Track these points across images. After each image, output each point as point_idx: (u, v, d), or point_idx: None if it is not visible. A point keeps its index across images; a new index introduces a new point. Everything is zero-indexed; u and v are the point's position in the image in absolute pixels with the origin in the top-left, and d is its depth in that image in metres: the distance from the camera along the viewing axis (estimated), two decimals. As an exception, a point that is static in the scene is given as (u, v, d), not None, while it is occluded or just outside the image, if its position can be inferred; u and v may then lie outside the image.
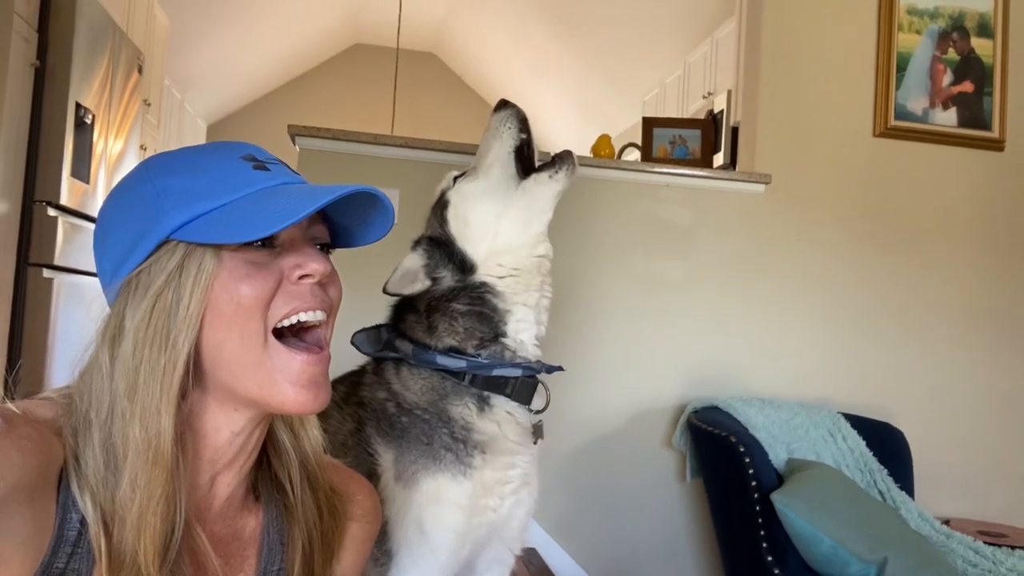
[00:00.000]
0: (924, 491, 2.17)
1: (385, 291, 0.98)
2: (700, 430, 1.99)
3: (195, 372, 0.60)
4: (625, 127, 5.32)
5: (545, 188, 1.00)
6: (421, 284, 0.97)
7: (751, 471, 1.75)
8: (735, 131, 3.06)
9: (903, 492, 2.07)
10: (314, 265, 0.62)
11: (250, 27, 5.77)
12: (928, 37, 2.49)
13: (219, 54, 5.85)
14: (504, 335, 0.97)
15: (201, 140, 6.42)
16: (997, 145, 2.52)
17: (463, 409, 0.94)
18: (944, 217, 2.47)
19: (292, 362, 0.61)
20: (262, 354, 0.61)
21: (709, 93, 4.02)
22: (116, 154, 3.31)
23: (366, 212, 0.67)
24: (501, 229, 0.98)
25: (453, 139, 2.27)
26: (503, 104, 1.05)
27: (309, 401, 0.62)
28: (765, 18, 2.43)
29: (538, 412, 0.99)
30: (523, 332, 0.98)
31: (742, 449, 1.79)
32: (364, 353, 1.01)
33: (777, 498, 1.68)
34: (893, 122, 2.45)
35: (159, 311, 0.58)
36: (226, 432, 0.64)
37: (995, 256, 2.50)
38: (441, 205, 1.02)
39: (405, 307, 1.01)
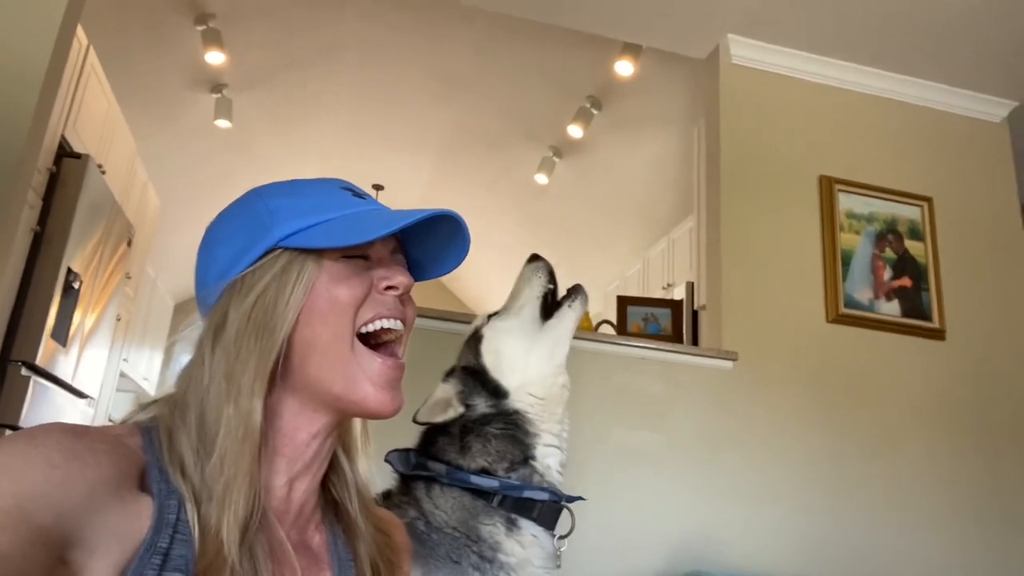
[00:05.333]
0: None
1: (415, 420, 1.04)
2: (686, 603, 1.95)
3: (283, 371, 0.66)
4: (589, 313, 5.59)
5: (566, 318, 1.12)
6: (454, 411, 1.03)
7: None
8: (695, 315, 3.27)
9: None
10: (400, 278, 0.70)
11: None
12: (866, 237, 2.80)
13: (196, 240, 6.07)
14: (533, 458, 1.02)
15: (168, 317, 6.46)
16: (938, 335, 2.75)
17: (492, 529, 0.96)
18: (896, 398, 2.63)
19: (374, 363, 0.68)
20: (349, 352, 0.67)
21: (669, 284, 4.31)
22: (94, 318, 3.34)
23: (441, 246, 0.76)
24: (531, 362, 1.07)
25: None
26: (535, 257, 1.19)
27: (387, 401, 0.68)
28: (723, 217, 2.72)
29: (562, 537, 1.01)
30: (549, 457, 1.04)
31: (732, 620, 1.76)
32: (396, 471, 1.05)
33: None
34: (843, 310, 2.67)
35: (261, 306, 0.66)
36: (304, 433, 0.69)
37: (941, 437, 2.63)
38: (476, 339, 1.12)
39: (434, 433, 1.06)
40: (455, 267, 0.77)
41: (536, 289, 1.14)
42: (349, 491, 0.75)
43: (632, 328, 2.64)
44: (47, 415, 2.91)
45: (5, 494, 0.50)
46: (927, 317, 2.76)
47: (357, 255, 0.70)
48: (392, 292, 0.71)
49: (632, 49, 3.72)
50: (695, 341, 3.17)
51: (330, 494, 0.75)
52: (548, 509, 1.00)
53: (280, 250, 0.67)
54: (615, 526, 2.25)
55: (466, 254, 0.75)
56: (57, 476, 0.52)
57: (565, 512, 1.04)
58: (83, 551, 0.54)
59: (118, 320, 3.90)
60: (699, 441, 2.39)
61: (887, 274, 2.78)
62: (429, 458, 1.03)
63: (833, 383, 2.58)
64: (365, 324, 0.69)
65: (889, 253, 2.80)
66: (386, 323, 0.70)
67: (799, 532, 2.38)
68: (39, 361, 2.76)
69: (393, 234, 0.72)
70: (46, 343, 2.80)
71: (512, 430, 1.02)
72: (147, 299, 5.48)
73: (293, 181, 0.74)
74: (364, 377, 0.68)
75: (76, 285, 3.00)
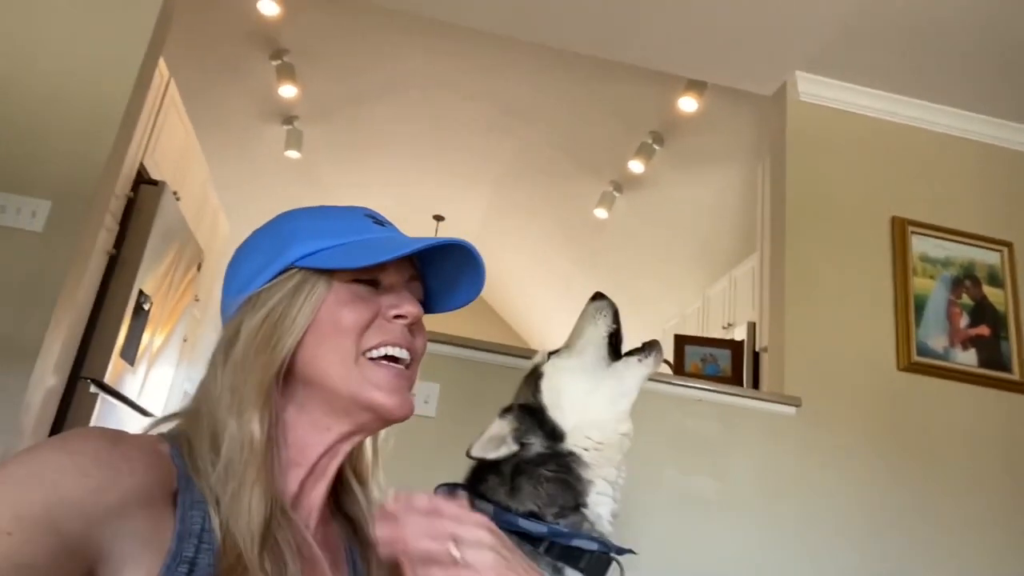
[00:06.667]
0: None
1: (469, 455, 1.02)
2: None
3: (292, 387, 0.68)
4: (644, 353, 5.49)
5: (634, 371, 1.08)
6: (507, 448, 1.00)
7: None
8: (756, 356, 3.17)
9: None
10: (408, 307, 0.71)
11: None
12: (942, 283, 2.68)
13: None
14: (585, 506, 0.98)
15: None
16: (1019, 387, 2.60)
17: (538, 576, 0.93)
18: (971, 452, 2.49)
19: (379, 371, 0.70)
20: (354, 367, 0.69)
21: (729, 324, 4.20)
22: (162, 339, 3.45)
23: (456, 277, 0.76)
24: (591, 404, 1.04)
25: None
26: (599, 296, 1.16)
27: (397, 405, 0.70)
28: (788, 256, 2.64)
29: (609, 591, 0.97)
30: (601, 506, 0.99)
31: None
32: (444, 511, 1.02)
33: None
34: (916, 357, 2.55)
35: (269, 322, 0.68)
36: (319, 447, 0.71)
37: (1021, 495, 2.47)
38: (535, 376, 1.09)
39: (485, 470, 1.03)
40: (470, 300, 0.78)
41: (601, 329, 1.11)
42: (364, 513, 0.77)
43: (690, 368, 2.57)
44: (112, 432, 3.00)
45: (36, 502, 0.50)
46: (1007, 368, 2.61)
47: (367, 280, 0.71)
48: (400, 321, 0.71)
49: (697, 85, 3.69)
50: (756, 384, 3.08)
51: (348, 514, 0.77)
52: (597, 560, 0.96)
53: (295, 269, 0.69)
54: (668, 575, 2.17)
55: (481, 285, 0.75)
56: (90, 484, 0.53)
57: (614, 565, 0.99)
58: (112, 562, 0.54)
59: (184, 341, 4.01)
60: (758, 489, 2.30)
61: (964, 321, 2.65)
62: (478, 496, 1.00)
63: (904, 434, 2.46)
64: (371, 349, 0.70)
65: (966, 299, 2.67)
66: (391, 351, 0.71)
67: (865, 591, 2.25)
68: (107, 379, 2.86)
69: (409, 260, 0.74)
70: (115, 362, 2.90)
71: (565, 474, 0.99)
72: (213, 322, 5.64)
73: (320, 207, 0.76)
74: (371, 386, 0.69)
75: (147, 307, 3.11)
